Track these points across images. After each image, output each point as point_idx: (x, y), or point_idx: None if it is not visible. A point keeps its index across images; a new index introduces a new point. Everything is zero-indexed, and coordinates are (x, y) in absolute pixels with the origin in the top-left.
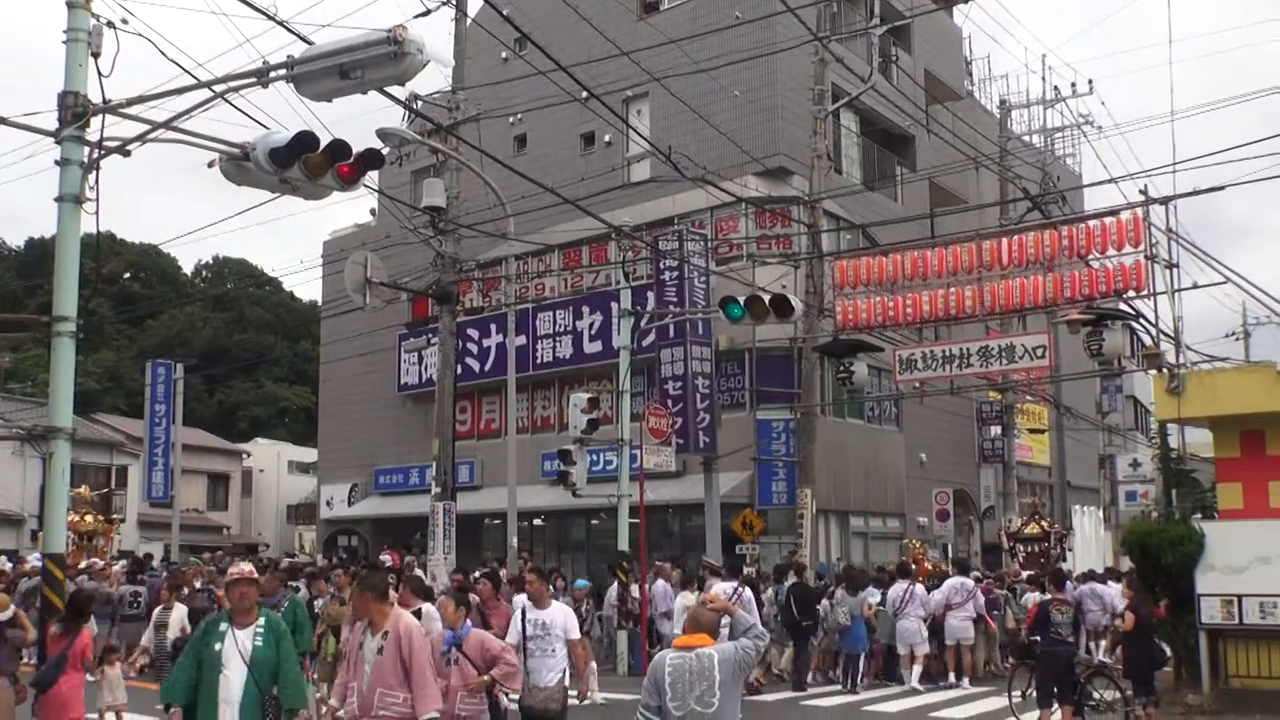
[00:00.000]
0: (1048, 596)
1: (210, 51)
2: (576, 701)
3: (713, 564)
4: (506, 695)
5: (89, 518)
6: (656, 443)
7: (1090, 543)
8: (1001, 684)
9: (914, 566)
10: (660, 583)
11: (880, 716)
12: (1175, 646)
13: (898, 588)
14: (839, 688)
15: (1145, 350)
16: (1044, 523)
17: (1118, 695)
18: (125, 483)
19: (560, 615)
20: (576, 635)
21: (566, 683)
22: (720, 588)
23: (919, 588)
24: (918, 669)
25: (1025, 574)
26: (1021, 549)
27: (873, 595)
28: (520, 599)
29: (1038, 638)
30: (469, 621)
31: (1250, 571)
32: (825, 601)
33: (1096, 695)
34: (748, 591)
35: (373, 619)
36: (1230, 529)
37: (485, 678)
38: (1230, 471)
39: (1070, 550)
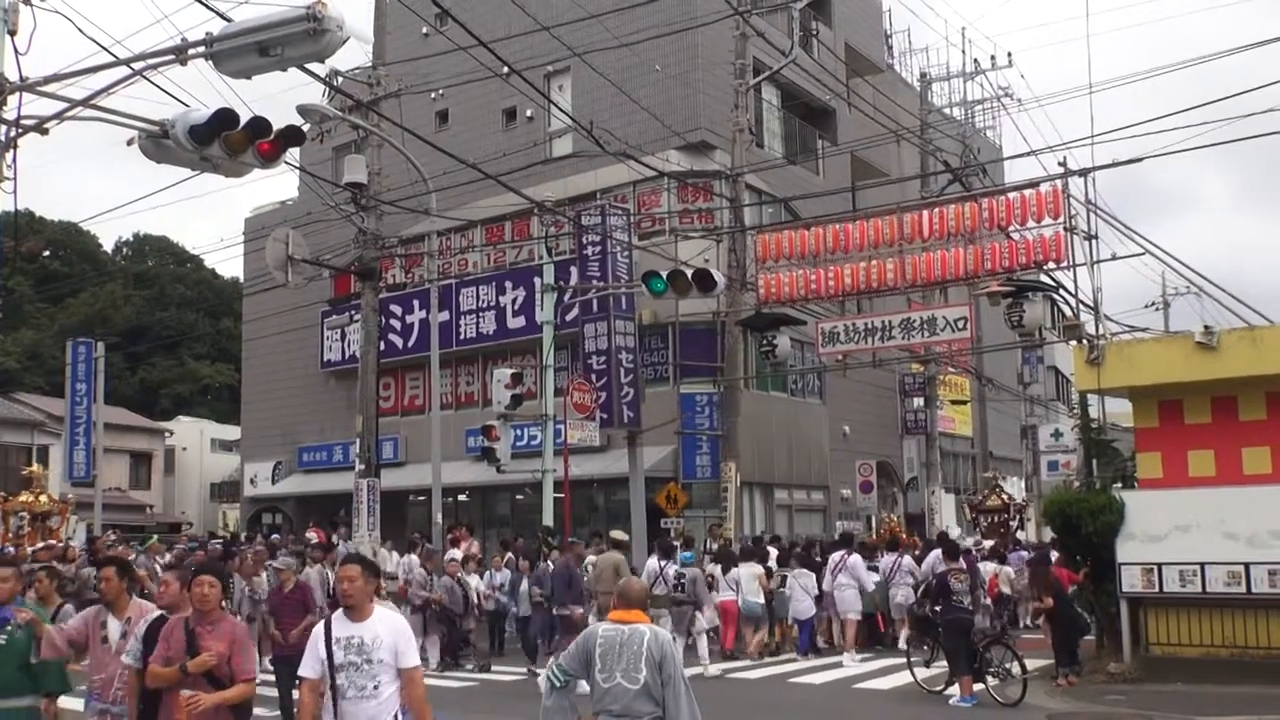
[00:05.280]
0: (944, 567)
1: (128, 28)
2: None
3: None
4: None
5: (44, 498)
6: (580, 417)
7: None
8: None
9: (903, 538)
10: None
11: (806, 688)
12: (1097, 615)
13: (888, 560)
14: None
15: (1065, 321)
16: (1004, 495)
17: (1017, 665)
18: (46, 462)
19: (387, 631)
20: (411, 662)
21: None
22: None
23: (907, 559)
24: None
25: (986, 544)
26: (983, 520)
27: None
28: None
29: (939, 607)
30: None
31: (1170, 540)
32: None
33: (995, 664)
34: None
35: None
36: (1150, 498)
37: None
38: (1149, 441)
39: (1029, 520)
